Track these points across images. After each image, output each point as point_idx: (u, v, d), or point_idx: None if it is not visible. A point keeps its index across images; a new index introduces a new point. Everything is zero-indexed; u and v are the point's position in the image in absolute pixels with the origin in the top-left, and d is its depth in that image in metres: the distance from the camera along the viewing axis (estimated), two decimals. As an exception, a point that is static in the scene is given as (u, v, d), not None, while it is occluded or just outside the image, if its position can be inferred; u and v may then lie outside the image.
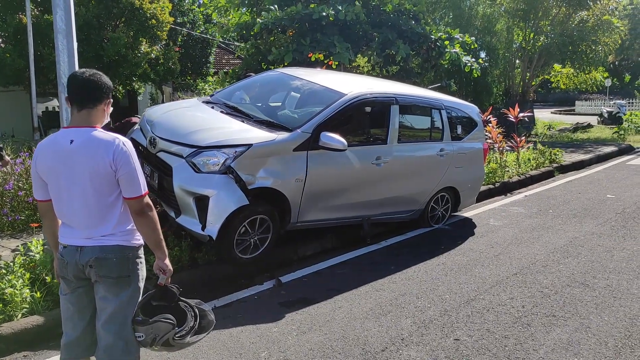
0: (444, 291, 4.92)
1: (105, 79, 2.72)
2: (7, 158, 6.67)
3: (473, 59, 14.98)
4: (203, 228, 4.94)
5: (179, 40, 27.58)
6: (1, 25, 10.43)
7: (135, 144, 5.76)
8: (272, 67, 19.28)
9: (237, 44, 21.50)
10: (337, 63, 18.01)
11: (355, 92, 5.94)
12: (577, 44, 20.80)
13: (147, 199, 2.68)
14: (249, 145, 5.10)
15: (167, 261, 2.80)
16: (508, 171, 10.46)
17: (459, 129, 7.24)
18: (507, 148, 11.53)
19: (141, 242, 2.78)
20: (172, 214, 5.23)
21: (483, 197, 8.98)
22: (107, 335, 2.65)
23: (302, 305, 4.60)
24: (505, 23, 21.68)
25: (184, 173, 5.02)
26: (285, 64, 17.87)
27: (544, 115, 31.05)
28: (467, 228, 7.18)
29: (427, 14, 17.98)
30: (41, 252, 4.59)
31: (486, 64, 21.85)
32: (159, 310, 2.82)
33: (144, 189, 2.66)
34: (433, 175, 6.83)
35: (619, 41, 23.63)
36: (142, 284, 2.81)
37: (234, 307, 4.59)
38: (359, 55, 16.60)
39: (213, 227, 4.91)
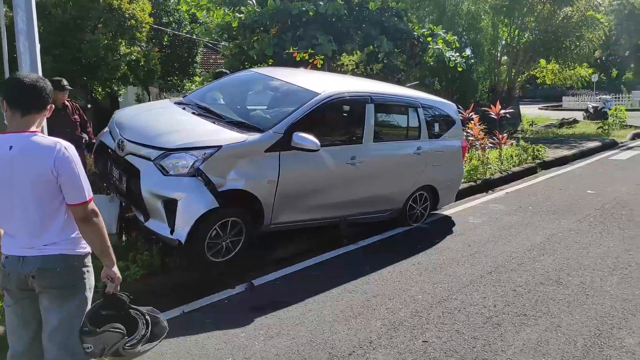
0: (417, 291, 4.87)
1: (49, 84, 2.64)
2: None
3: (457, 54, 14.95)
4: (172, 232, 4.86)
5: (165, 40, 27.35)
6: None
7: (104, 147, 5.68)
8: (256, 66, 19.16)
9: (224, 43, 21.46)
10: (322, 62, 17.91)
11: (329, 92, 5.87)
12: (561, 40, 20.85)
13: (93, 205, 2.60)
14: (219, 147, 5.02)
15: (116, 269, 2.72)
16: (490, 168, 10.44)
17: (437, 127, 7.19)
18: (490, 145, 11.52)
19: (88, 249, 2.69)
20: (141, 218, 5.14)
21: (464, 194, 8.94)
22: (53, 347, 2.57)
23: (272, 309, 4.53)
24: (490, 20, 21.69)
25: (152, 176, 4.93)
26: (270, 62, 17.77)
27: (530, 112, 31.11)
28: (445, 226, 7.14)
29: (410, 12, 17.94)
30: None
31: (472, 60, 21.84)
32: (109, 319, 2.74)
33: (89, 194, 2.58)
34: (411, 174, 6.78)
35: (603, 37, 23.73)
36: (89, 294, 2.73)
37: (202, 312, 4.51)
38: (344, 54, 16.58)
39: (182, 230, 4.83)
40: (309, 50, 14.49)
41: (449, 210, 7.93)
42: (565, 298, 4.69)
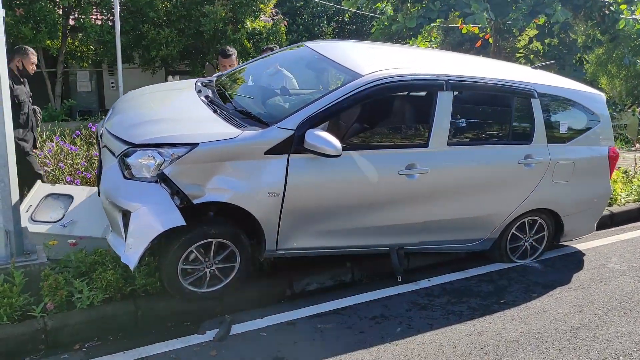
0: (437, 393, 3.09)
1: None
2: None
3: (664, 29, 11.48)
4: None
5: (347, 16, 27.57)
6: (101, 2, 10.38)
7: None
8: (404, 42, 17.35)
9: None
10: (491, 39, 15.62)
11: (380, 73, 4.18)
12: None
13: None
14: (194, 145, 3.74)
15: None
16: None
17: (564, 127, 5.00)
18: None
19: None
20: (109, 229, 4.13)
21: (628, 219, 6.47)
22: None
23: (212, 383, 3.19)
24: None
25: (111, 178, 3.87)
26: (435, 37, 15.76)
27: None
28: (564, 270, 4.97)
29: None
30: None
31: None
32: None
33: None
34: (512, 193, 4.77)
35: None
36: None
37: (130, 369, 3.35)
38: (527, 29, 13.97)
39: (132, 253, 3.66)
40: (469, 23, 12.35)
41: (587, 243, 5.63)
42: None
